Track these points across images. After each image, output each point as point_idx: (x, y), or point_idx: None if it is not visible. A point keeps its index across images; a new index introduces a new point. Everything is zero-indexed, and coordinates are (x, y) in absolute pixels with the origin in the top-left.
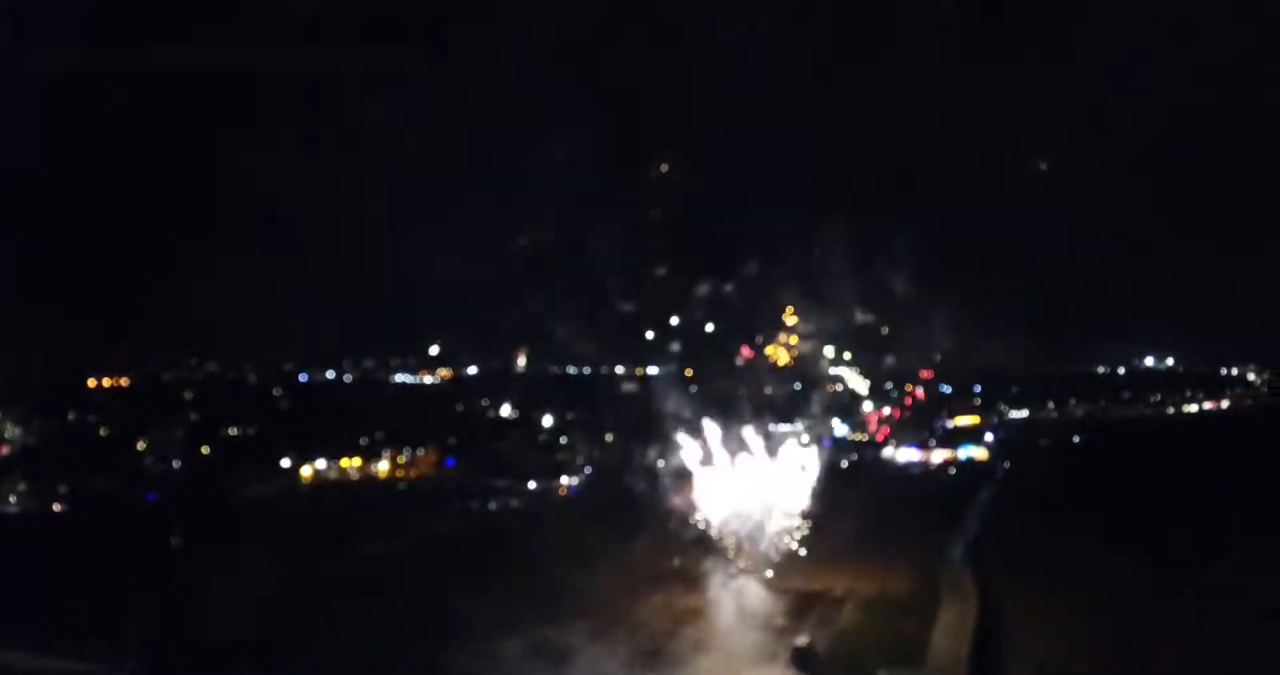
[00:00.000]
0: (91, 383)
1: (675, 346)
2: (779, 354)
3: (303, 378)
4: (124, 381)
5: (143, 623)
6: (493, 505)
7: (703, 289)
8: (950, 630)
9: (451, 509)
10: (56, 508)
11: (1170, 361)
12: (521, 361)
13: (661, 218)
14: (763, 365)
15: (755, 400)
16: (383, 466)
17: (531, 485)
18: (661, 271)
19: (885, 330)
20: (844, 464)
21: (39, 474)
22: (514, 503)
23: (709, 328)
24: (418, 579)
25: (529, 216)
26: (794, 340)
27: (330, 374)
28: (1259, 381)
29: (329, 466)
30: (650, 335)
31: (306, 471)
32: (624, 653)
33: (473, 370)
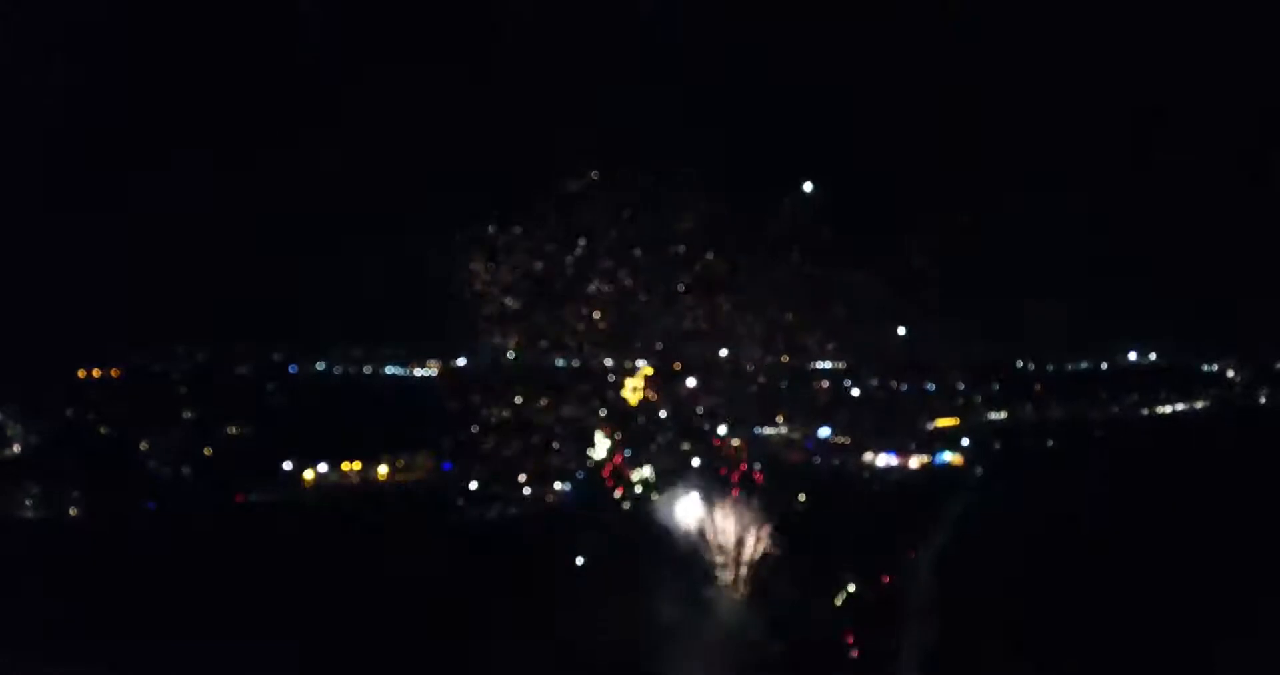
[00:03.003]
0: (81, 373)
1: (659, 344)
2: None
3: (292, 369)
4: (115, 373)
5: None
6: (491, 513)
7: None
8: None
9: (452, 518)
10: (73, 512)
11: (1154, 356)
12: (511, 354)
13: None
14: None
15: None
16: (382, 470)
17: (526, 491)
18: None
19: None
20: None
21: (48, 478)
22: (512, 510)
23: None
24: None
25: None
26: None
27: (320, 365)
28: (1238, 379)
29: (330, 470)
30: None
31: (309, 475)
32: None
33: (461, 362)
